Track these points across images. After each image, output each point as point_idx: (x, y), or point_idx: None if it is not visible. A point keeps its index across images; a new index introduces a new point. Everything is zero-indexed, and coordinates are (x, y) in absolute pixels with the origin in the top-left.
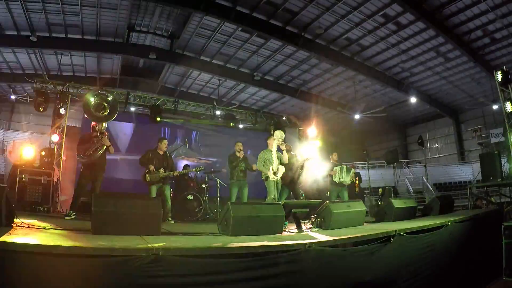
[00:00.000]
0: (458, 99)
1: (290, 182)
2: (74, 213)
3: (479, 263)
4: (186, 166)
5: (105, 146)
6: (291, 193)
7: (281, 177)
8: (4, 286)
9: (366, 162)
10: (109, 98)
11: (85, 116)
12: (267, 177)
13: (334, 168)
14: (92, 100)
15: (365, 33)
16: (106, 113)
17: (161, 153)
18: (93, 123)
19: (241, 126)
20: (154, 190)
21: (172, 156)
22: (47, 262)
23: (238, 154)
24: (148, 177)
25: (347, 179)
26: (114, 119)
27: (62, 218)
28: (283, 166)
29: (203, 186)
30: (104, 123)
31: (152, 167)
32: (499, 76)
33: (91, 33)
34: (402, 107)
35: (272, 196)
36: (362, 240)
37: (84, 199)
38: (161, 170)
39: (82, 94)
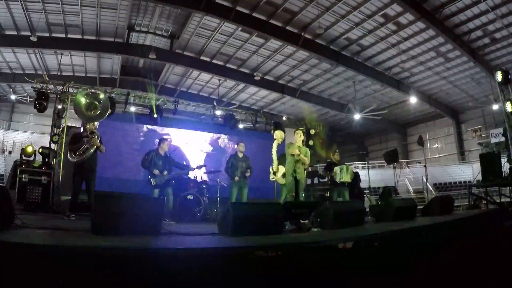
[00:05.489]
0: (458, 99)
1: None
2: (74, 214)
3: None
4: (186, 167)
5: (95, 146)
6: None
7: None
8: (4, 286)
9: (366, 162)
10: (101, 97)
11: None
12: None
13: (335, 168)
14: (83, 99)
15: (365, 33)
16: (97, 113)
17: (163, 153)
18: (84, 122)
19: (241, 126)
20: (157, 192)
21: (172, 157)
22: (47, 262)
23: (239, 155)
24: (153, 181)
25: (347, 178)
26: (114, 119)
27: (62, 218)
28: (282, 166)
29: (203, 186)
30: (95, 123)
31: (156, 171)
32: (499, 76)
33: (91, 33)
34: (402, 107)
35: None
36: (362, 240)
37: (83, 199)
38: (165, 172)
39: None
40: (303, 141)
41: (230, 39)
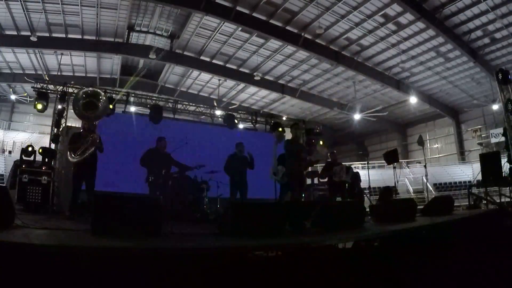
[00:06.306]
0: (458, 99)
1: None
2: (74, 213)
3: None
4: (185, 166)
5: (95, 146)
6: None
7: (281, 177)
8: (5, 286)
9: (366, 162)
10: (100, 97)
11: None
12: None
13: (334, 168)
14: (82, 99)
15: (365, 33)
16: (96, 112)
17: (162, 152)
18: (84, 122)
19: (241, 126)
20: (155, 191)
21: (172, 156)
22: (47, 262)
23: (238, 154)
24: (151, 179)
25: (347, 178)
26: (114, 119)
27: (62, 218)
28: (282, 166)
29: (203, 186)
30: (95, 122)
31: (156, 170)
32: (499, 76)
33: (91, 33)
34: (402, 107)
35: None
36: (362, 240)
37: (83, 199)
38: (164, 171)
39: None
40: (303, 137)
41: (230, 39)
